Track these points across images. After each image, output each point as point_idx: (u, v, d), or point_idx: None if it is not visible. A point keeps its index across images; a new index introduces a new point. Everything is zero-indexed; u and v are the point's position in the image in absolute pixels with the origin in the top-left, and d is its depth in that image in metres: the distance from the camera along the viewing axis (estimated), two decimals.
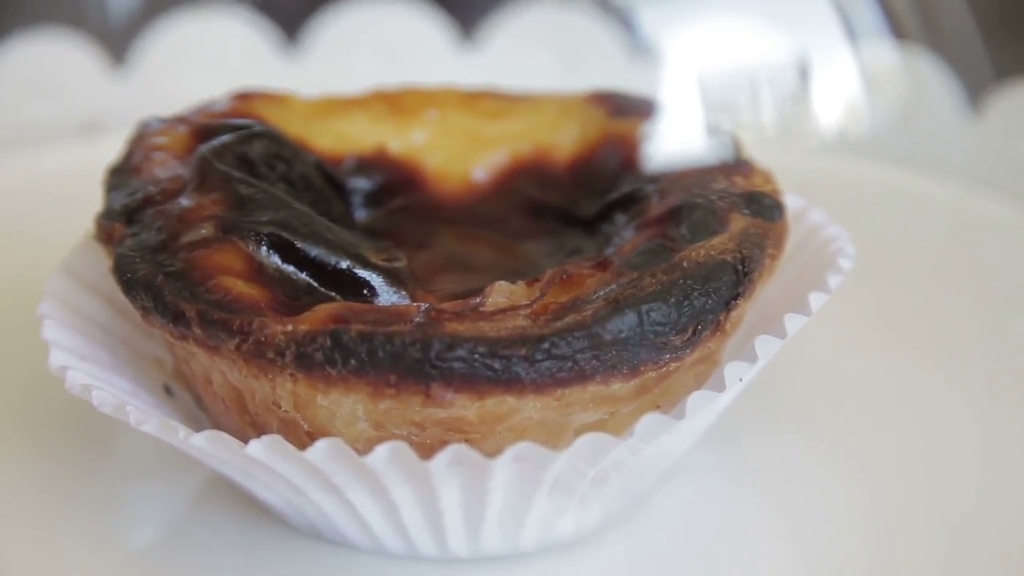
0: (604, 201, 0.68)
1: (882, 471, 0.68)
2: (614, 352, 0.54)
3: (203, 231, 0.59)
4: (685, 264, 0.57)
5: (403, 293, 0.60)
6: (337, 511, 0.59)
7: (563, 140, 0.73)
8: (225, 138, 0.65)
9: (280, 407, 0.56)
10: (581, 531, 0.63)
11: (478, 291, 0.57)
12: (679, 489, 0.67)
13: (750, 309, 0.62)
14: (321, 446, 0.53)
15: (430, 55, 1.17)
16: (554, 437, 0.56)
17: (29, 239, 0.86)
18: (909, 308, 0.83)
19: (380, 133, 0.74)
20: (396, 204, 0.71)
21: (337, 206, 0.68)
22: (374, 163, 0.73)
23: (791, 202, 0.68)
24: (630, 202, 0.66)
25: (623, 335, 0.54)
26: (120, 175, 0.66)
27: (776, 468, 0.69)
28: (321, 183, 0.69)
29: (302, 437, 0.57)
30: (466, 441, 0.55)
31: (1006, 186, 0.97)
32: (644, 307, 0.55)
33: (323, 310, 0.55)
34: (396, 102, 0.76)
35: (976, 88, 1.06)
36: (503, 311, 0.55)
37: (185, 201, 0.61)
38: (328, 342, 0.53)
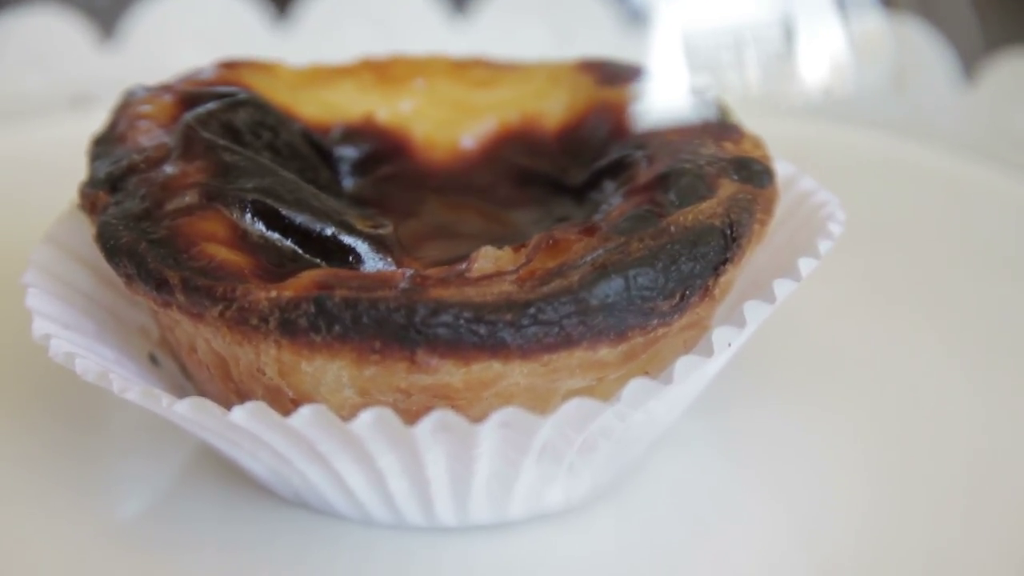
0: (592, 168, 0.68)
1: (874, 438, 0.68)
2: (601, 317, 0.54)
3: (187, 198, 0.59)
4: (673, 229, 0.57)
5: (389, 260, 0.59)
6: (323, 480, 0.59)
7: (551, 108, 0.73)
8: (210, 106, 0.65)
9: (264, 374, 0.56)
10: (570, 500, 0.62)
11: (465, 257, 0.57)
12: (668, 459, 0.66)
13: (740, 275, 0.62)
14: (305, 412, 0.53)
15: (422, 27, 1.16)
16: (541, 403, 0.56)
17: (15, 210, 0.85)
18: (899, 273, 0.83)
19: (368, 102, 0.74)
20: (384, 172, 0.71)
21: (324, 174, 0.68)
22: (361, 131, 0.72)
23: (781, 168, 0.67)
24: (618, 169, 0.66)
25: (610, 300, 0.54)
26: (104, 144, 0.65)
27: (766, 437, 0.69)
28: (308, 151, 0.68)
29: (287, 404, 0.56)
30: (452, 407, 0.54)
31: (997, 153, 0.97)
32: (631, 272, 0.54)
33: (308, 276, 0.55)
34: (384, 71, 0.75)
35: (969, 57, 1.06)
36: (489, 277, 0.55)
37: (169, 169, 0.60)
38: (312, 308, 0.53)
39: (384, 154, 0.72)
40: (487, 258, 0.56)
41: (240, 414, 0.54)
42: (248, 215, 0.58)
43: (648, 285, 0.54)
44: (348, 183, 0.70)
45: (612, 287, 0.54)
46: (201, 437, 0.61)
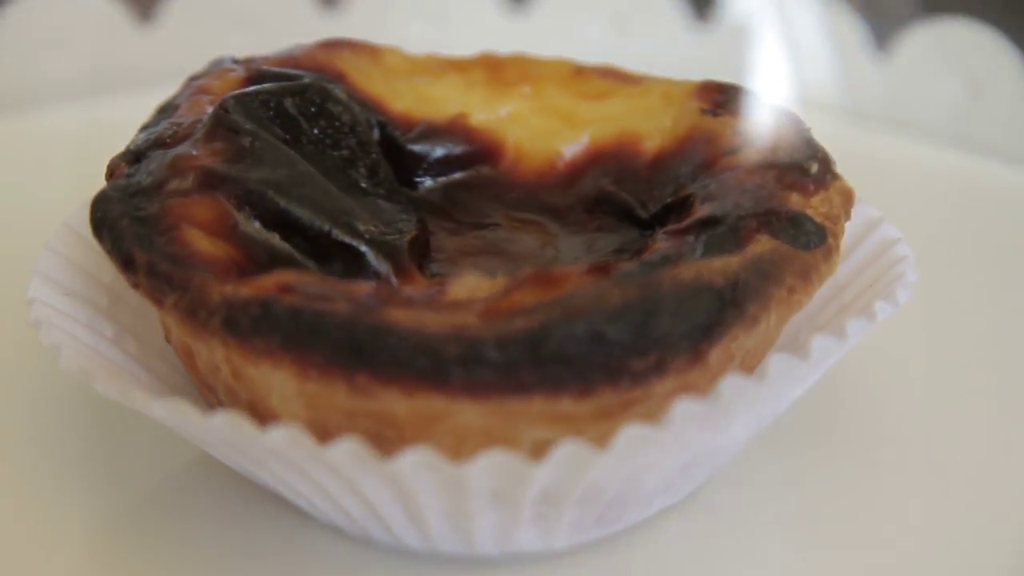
0: (663, 202, 0.62)
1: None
2: (558, 367, 0.48)
3: (188, 180, 0.57)
4: (665, 283, 0.50)
5: (386, 267, 0.56)
6: (295, 486, 0.56)
7: (655, 130, 0.67)
8: (255, 88, 0.63)
9: (220, 373, 0.53)
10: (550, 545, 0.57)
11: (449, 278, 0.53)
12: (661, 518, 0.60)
13: (771, 341, 0.55)
14: (280, 434, 0.49)
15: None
16: (507, 447, 0.50)
17: (37, 196, 0.85)
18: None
19: (467, 101, 0.70)
20: (463, 177, 0.68)
21: (383, 170, 0.64)
22: (449, 131, 0.69)
23: (864, 212, 0.63)
24: (682, 206, 0.60)
25: (570, 350, 0.48)
26: (160, 113, 0.64)
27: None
28: (372, 143, 0.65)
29: (243, 408, 0.54)
30: (401, 439, 0.50)
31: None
32: (598, 323, 0.49)
33: (273, 277, 0.52)
34: (498, 70, 0.72)
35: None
36: (458, 304, 0.51)
37: (186, 148, 0.59)
38: (257, 311, 0.50)
39: (468, 158, 0.68)
40: (465, 284, 0.52)
41: (219, 423, 0.50)
42: (245, 206, 0.56)
43: (617, 340, 0.49)
44: (427, 183, 0.67)
45: (574, 336, 0.48)
46: None
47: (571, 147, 0.68)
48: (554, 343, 0.48)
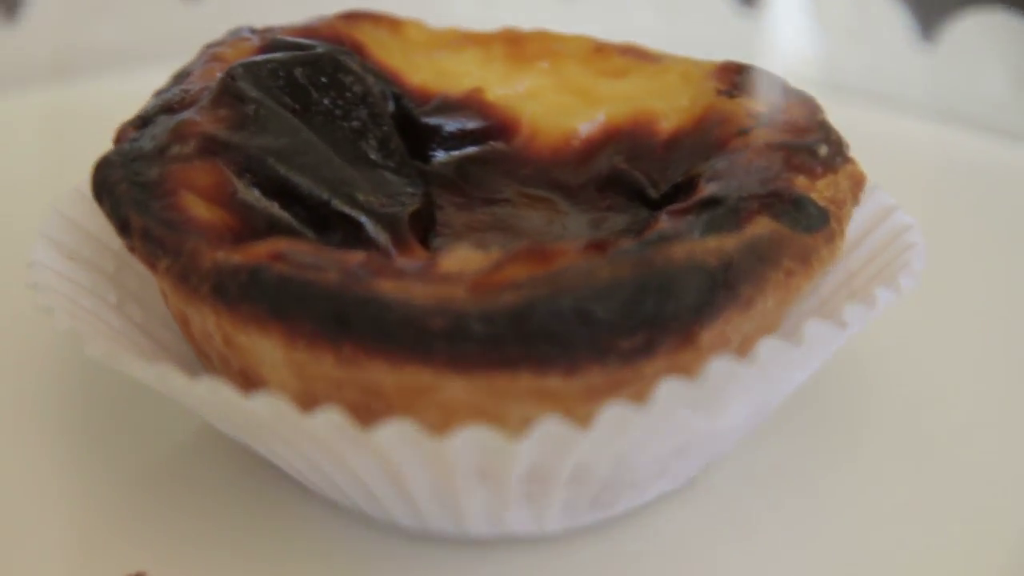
0: (672, 181, 0.61)
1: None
2: (544, 343, 0.48)
3: (190, 146, 0.57)
4: (656, 262, 0.49)
5: (385, 238, 0.56)
6: (292, 460, 0.56)
7: (671, 110, 0.66)
8: (266, 57, 0.62)
9: (213, 340, 0.53)
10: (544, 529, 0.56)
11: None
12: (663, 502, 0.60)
13: (774, 322, 0.54)
14: (260, 402, 0.48)
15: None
16: (494, 425, 0.50)
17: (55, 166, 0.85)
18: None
19: (485, 75, 0.70)
20: (478, 152, 0.67)
21: (395, 142, 0.64)
22: (464, 105, 0.68)
23: (879, 200, 0.63)
24: (689, 186, 0.59)
25: (556, 327, 0.48)
26: (175, 80, 0.64)
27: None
28: (384, 115, 0.64)
29: (236, 376, 0.53)
30: (389, 411, 0.50)
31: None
32: (585, 299, 0.48)
33: (266, 244, 0.51)
34: (519, 44, 0.71)
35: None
36: (448, 277, 0.50)
37: (189, 114, 0.59)
38: (246, 277, 0.50)
39: (483, 133, 0.67)
40: (456, 257, 0.51)
41: (203, 389, 0.49)
42: (246, 173, 0.56)
43: (604, 318, 0.48)
44: (440, 156, 0.67)
45: (560, 312, 0.48)
46: None
47: (587, 124, 0.67)
48: (539, 318, 0.47)
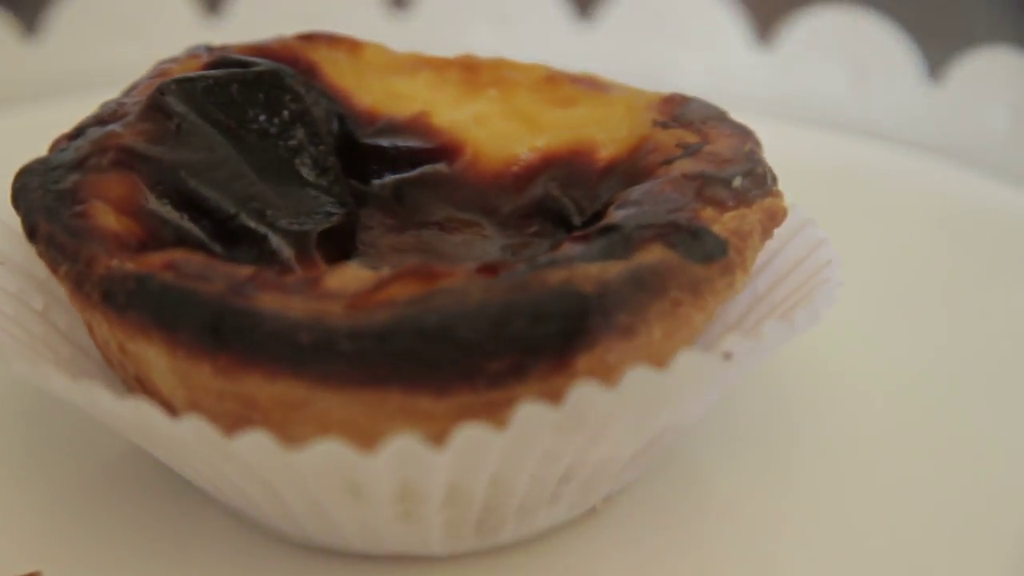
0: (591, 209, 0.61)
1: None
2: (410, 362, 0.48)
3: (107, 158, 0.58)
4: (531, 285, 0.50)
5: (290, 253, 0.56)
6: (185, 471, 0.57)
7: (610, 140, 0.66)
8: (202, 73, 0.64)
9: (111, 346, 0.54)
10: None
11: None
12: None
13: (659, 350, 0.54)
14: (129, 405, 0.49)
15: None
16: (365, 442, 0.50)
17: None
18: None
19: (435, 99, 0.70)
20: (418, 175, 0.67)
21: (331, 162, 0.65)
22: (408, 128, 0.68)
23: (797, 216, 0.64)
24: (602, 214, 0.59)
25: (421, 346, 0.48)
26: (123, 93, 0.66)
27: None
28: (323, 135, 0.65)
29: (133, 383, 0.55)
30: (266, 424, 0.51)
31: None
32: (452, 319, 0.48)
33: (162, 255, 0.53)
34: (474, 70, 0.72)
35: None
36: (328, 293, 0.50)
37: (114, 126, 0.60)
38: (133, 285, 0.51)
39: (425, 156, 0.68)
40: (343, 274, 0.52)
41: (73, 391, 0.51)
42: (158, 185, 0.57)
43: (469, 338, 0.48)
44: (381, 178, 0.67)
45: (424, 331, 0.48)
46: None
47: (527, 151, 0.67)
48: (404, 337, 0.48)
